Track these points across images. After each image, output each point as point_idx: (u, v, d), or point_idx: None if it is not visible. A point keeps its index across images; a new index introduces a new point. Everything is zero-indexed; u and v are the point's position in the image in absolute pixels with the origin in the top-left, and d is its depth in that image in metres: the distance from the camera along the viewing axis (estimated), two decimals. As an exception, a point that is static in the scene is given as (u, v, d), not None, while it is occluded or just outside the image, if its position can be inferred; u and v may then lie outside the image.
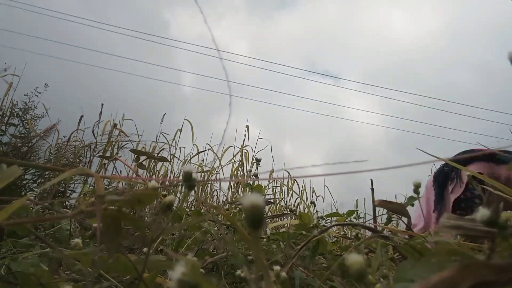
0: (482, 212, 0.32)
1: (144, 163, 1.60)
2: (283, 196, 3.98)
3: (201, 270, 0.74)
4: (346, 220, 1.32)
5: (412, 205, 1.04)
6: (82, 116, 3.74)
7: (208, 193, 3.71)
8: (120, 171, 3.30)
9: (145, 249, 0.73)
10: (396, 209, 1.15)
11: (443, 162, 1.84)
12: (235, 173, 4.04)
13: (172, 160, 3.85)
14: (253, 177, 1.51)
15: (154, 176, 3.73)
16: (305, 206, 3.85)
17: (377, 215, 1.31)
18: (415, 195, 0.80)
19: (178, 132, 4.21)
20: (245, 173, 3.96)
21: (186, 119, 4.27)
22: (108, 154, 3.38)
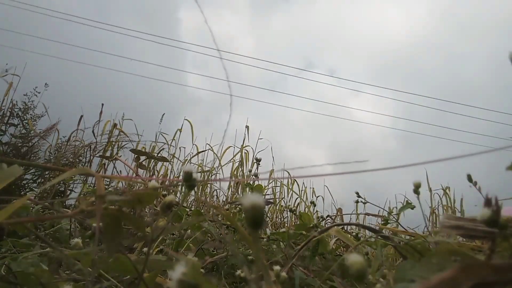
0: (483, 212, 0.32)
1: (144, 163, 1.60)
2: (283, 196, 3.98)
3: (201, 270, 0.74)
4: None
5: (413, 208, 1.03)
6: (82, 116, 3.74)
7: (208, 193, 3.71)
8: (120, 171, 3.30)
9: (145, 249, 0.73)
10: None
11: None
12: (235, 173, 4.04)
13: (172, 160, 3.85)
14: (253, 177, 1.51)
15: (154, 176, 3.73)
16: (305, 206, 3.85)
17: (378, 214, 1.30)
18: (415, 195, 0.80)
19: (178, 132, 4.21)
20: (245, 173, 3.96)
21: (186, 119, 4.27)
22: (108, 154, 3.39)
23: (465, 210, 3.94)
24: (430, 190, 3.92)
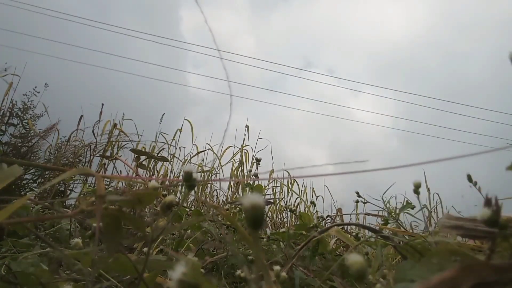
0: (483, 212, 0.32)
1: (144, 163, 1.60)
2: (283, 196, 3.98)
3: (201, 270, 0.74)
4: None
5: (413, 208, 1.03)
6: (82, 116, 3.74)
7: (208, 193, 3.71)
8: (120, 171, 3.30)
9: (145, 249, 0.73)
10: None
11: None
12: (235, 173, 4.04)
13: (172, 160, 3.85)
14: (253, 177, 1.51)
15: (154, 176, 3.73)
16: (305, 206, 3.85)
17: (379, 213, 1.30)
18: (415, 195, 0.80)
19: (178, 132, 4.21)
20: (245, 173, 3.96)
21: (186, 119, 4.27)
22: (108, 154, 3.39)
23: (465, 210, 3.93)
24: (429, 190, 3.92)
